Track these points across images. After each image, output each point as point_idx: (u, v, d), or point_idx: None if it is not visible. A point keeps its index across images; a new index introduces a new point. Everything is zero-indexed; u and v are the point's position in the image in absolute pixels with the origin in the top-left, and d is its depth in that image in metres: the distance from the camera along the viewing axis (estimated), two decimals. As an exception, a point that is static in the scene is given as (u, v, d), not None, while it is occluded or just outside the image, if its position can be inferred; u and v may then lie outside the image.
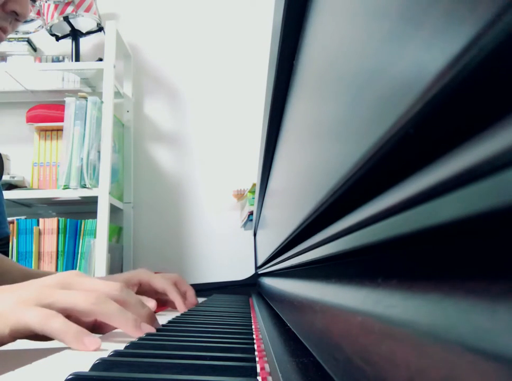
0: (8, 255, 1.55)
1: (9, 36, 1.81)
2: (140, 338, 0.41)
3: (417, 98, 0.11)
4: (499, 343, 0.08)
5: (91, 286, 0.47)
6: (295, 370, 0.26)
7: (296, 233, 0.34)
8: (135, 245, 1.81)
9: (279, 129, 0.52)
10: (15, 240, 1.59)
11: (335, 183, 0.19)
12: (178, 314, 0.69)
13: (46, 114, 1.77)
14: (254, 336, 0.45)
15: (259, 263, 1.21)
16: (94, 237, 1.54)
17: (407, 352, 0.12)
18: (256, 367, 0.30)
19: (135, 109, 1.89)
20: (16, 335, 0.42)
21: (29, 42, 1.85)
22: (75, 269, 1.58)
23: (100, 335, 0.50)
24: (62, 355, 0.40)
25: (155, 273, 0.86)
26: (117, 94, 1.74)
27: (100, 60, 1.74)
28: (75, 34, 1.79)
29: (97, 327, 0.52)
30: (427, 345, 0.11)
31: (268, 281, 0.83)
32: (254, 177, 1.18)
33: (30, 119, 1.78)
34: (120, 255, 1.76)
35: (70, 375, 0.27)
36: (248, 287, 1.31)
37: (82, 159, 1.56)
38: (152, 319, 0.49)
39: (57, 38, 1.81)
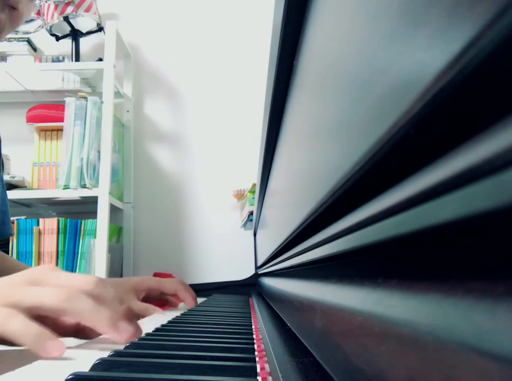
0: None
1: (9, 36, 1.82)
2: (140, 338, 0.41)
3: (417, 98, 0.11)
4: (498, 343, 0.08)
5: (63, 281, 0.42)
6: (295, 370, 0.26)
7: (296, 233, 0.34)
8: (135, 245, 1.81)
9: (279, 129, 0.52)
10: (15, 240, 1.59)
11: (335, 183, 0.19)
12: (178, 313, 0.69)
13: (46, 114, 1.77)
14: (254, 336, 0.45)
15: (259, 263, 1.21)
16: (94, 237, 1.54)
17: (407, 352, 0.12)
18: (256, 367, 0.30)
19: (135, 109, 1.89)
20: None
21: (29, 42, 1.85)
22: (75, 269, 1.58)
23: (86, 340, 0.46)
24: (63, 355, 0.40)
25: (156, 274, 0.87)
26: (117, 94, 1.74)
27: (100, 60, 1.74)
28: (75, 34, 1.79)
29: (81, 331, 0.47)
30: (427, 345, 0.11)
31: (268, 281, 0.83)
32: (254, 177, 1.18)
33: (30, 119, 1.78)
34: (120, 255, 1.76)
35: (70, 375, 0.27)
36: (248, 287, 1.31)
37: (82, 159, 1.56)
38: (130, 317, 0.43)
39: (57, 38, 1.81)
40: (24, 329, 0.36)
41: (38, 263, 1.58)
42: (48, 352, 0.36)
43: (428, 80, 0.10)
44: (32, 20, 1.80)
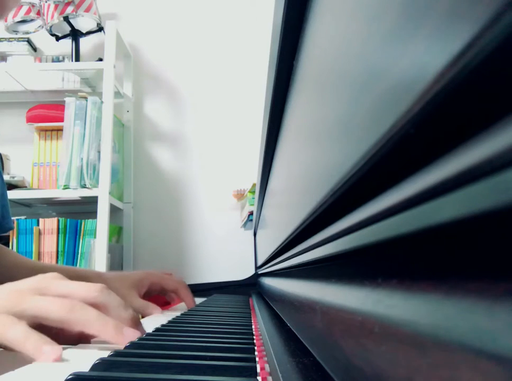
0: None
1: (9, 36, 1.82)
2: (140, 338, 0.41)
3: (417, 98, 0.11)
4: (498, 343, 0.08)
5: (68, 290, 0.43)
6: (295, 370, 0.26)
7: (296, 233, 0.34)
8: (135, 245, 1.81)
9: (279, 129, 0.52)
10: (15, 240, 1.59)
11: (335, 183, 0.19)
12: (178, 313, 0.69)
13: (46, 114, 1.77)
14: (254, 336, 0.45)
15: (259, 263, 1.21)
16: (94, 237, 1.54)
17: (407, 352, 0.12)
18: (256, 367, 0.30)
19: (135, 109, 1.89)
20: None
21: (29, 42, 1.85)
22: (75, 269, 1.58)
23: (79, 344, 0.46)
24: (62, 355, 0.39)
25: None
26: (117, 94, 1.74)
27: (100, 60, 1.74)
28: (75, 34, 1.79)
29: (85, 338, 0.46)
30: (427, 345, 0.11)
31: (268, 281, 0.83)
32: (254, 177, 1.18)
33: (30, 119, 1.78)
34: (120, 255, 1.76)
35: (70, 375, 0.27)
36: (248, 287, 1.31)
37: (82, 159, 1.56)
38: (135, 323, 0.45)
39: (57, 38, 1.81)
40: (23, 337, 0.36)
41: (38, 263, 1.57)
42: (46, 357, 0.36)
43: (428, 80, 0.10)
44: (32, 20, 1.80)
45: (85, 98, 1.61)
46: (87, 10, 1.72)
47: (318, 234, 0.26)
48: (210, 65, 1.90)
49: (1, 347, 0.39)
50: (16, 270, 0.78)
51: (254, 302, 0.91)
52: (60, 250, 1.59)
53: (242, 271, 1.52)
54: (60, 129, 1.70)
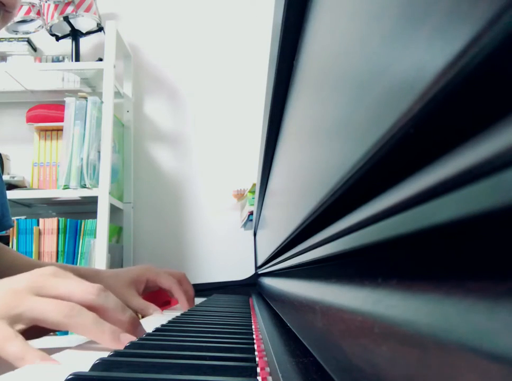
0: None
1: (9, 36, 1.82)
2: (140, 338, 0.41)
3: (417, 97, 0.11)
4: (498, 343, 0.08)
5: (66, 291, 0.42)
6: (295, 370, 0.26)
7: (296, 233, 0.34)
8: (135, 245, 1.81)
9: (279, 129, 0.52)
10: (15, 240, 1.59)
11: (335, 183, 0.19)
12: (178, 314, 0.69)
13: (46, 114, 1.77)
14: (254, 336, 0.45)
15: (259, 263, 1.21)
16: (94, 237, 1.54)
17: (407, 352, 0.12)
18: (256, 367, 0.30)
19: (135, 109, 1.89)
20: None
21: (29, 42, 1.85)
22: (75, 269, 1.58)
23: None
24: (63, 355, 0.40)
25: None
26: (117, 94, 1.74)
27: (100, 60, 1.74)
28: (75, 34, 1.79)
29: None
30: (426, 345, 0.11)
31: (268, 281, 0.83)
32: (254, 177, 1.18)
33: (30, 119, 1.78)
34: (120, 255, 1.76)
35: (70, 375, 0.27)
36: (248, 287, 1.31)
37: (82, 159, 1.56)
38: (134, 325, 0.45)
39: (57, 38, 1.81)
40: (21, 354, 0.36)
41: (38, 263, 1.57)
42: None
43: (428, 80, 0.10)
44: (32, 20, 1.80)
45: (85, 98, 1.61)
46: (87, 10, 1.72)
47: (318, 234, 0.26)
48: (210, 65, 1.90)
49: None
50: (14, 268, 0.78)
51: (254, 302, 0.91)
52: (60, 250, 1.59)
53: (242, 271, 1.52)
54: (60, 129, 1.70)
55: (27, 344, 0.38)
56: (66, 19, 1.72)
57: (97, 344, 0.45)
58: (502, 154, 0.08)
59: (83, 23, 1.77)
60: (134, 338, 0.42)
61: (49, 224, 1.61)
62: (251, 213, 1.39)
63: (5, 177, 1.70)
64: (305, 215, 0.28)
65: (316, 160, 0.25)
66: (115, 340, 0.40)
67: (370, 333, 0.15)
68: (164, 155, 1.88)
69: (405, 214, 0.13)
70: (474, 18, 0.08)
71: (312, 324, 0.27)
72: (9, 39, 1.83)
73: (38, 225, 1.61)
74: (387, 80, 0.13)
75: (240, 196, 1.70)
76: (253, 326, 0.54)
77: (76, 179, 1.55)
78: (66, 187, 1.55)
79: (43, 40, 1.88)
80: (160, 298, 0.92)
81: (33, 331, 0.42)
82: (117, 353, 0.34)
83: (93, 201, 1.55)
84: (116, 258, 1.70)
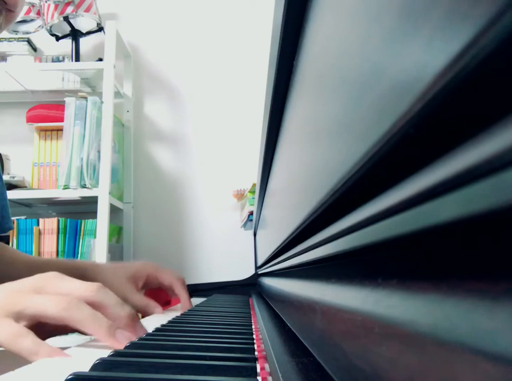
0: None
1: (9, 36, 1.82)
2: (140, 338, 0.41)
3: (417, 98, 0.11)
4: (498, 344, 0.08)
5: (66, 289, 0.44)
6: (295, 370, 0.26)
7: (297, 233, 0.34)
8: (135, 245, 1.81)
9: (279, 129, 0.52)
10: (15, 240, 1.59)
11: (335, 183, 0.19)
12: (178, 314, 0.69)
13: (46, 114, 1.77)
14: (254, 336, 0.45)
15: (259, 263, 1.21)
16: (94, 237, 1.54)
17: (407, 352, 0.12)
18: (256, 367, 0.30)
19: (135, 109, 1.89)
20: None
21: (29, 42, 1.85)
22: (75, 269, 1.58)
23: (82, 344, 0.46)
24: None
25: None
26: (117, 94, 1.74)
27: (100, 60, 1.74)
28: (75, 34, 1.79)
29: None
30: (426, 345, 0.11)
31: (268, 281, 0.83)
32: (254, 177, 1.18)
33: (30, 119, 1.78)
34: (120, 255, 1.76)
35: (70, 375, 0.27)
36: (248, 287, 1.31)
37: (82, 159, 1.56)
38: (133, 321, 0.45)
39: (57, 38, 1.81)
40: (34, 349, 0.38)
41: (38, 263, 1.57)
42: None
43: (428, 80, 0.10)
44: (32, 20, 1.80)
45: (85, 98, 1.61)
46: (87, 10, 1.72)
47: (318, 234, 0.26)
48: (210, 65, 1.90)
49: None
50: (14, 265, 0.78)
51: (254, 302, 0.91)
52: (60, 250, 1.59)
53: (242, 271, 1.52)
54: (60, 129, 1.70)
55: (38, 340, 0.39)
56: (66, 19, 1.72)
57: (97, 343, 0.45)
58: (502, 154, 0.08)
59: (83, 23, 1.77)
60: (130, 335, 0.42)
61: (49, 224, 1.61)
62: (251, 213, 1.39)
63: (5, 177, 1.70)
64: (305, 215, 0.28)
65: (316, 159, 0.25)
66: (110, 335, 0.41)
67: (370, 333, 0.15)
68: (164, 155, 1.88)
69: (405, 214, 0.13)
70: (474, 18, 0.08)
71: (312, 324, 0.27)
72: (9, 39, 1.83)
73: (38, 225, 1.61)
74: (387, 80, 0.13)
75: (240, 196, 1.70)
76: (253, 326, 0.54)
77: (76, 179, 1.55)
78: (66, 187, 1.55)
79: (43, 40, 1.88)
80: (160, 297, 0.92)
81: (43, 330, 0.43)
82: (117, 353, 0.34)
83: (93, 201, 1.55)
84: (116, 258, 1.70)
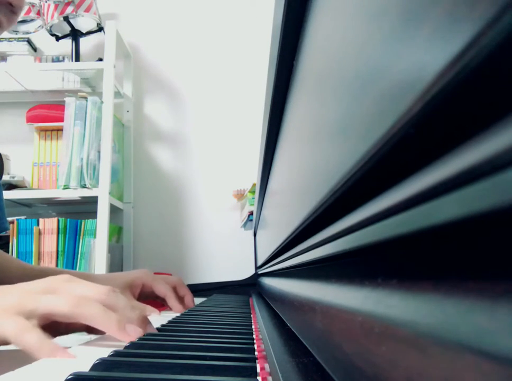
0: (8, 255, 1.55)
1: (9, 36, 1.82)
2: (140, 338, 0.41)
3: (417, 98, 0.11)
4: (498, 344, 0.08)
5: (77, 290, 0.45)
6: (295, 370, 0.26)
7: (297, 233, 0.34)
8: (135, 245, 1.81)
9: (279, 129, 0.52)
10: (15, 240, 1.59)
11: (335, 183, 0.19)
12: (178, 314, 0.69)
13: (46, 114, 1.77)
14: (254, 336, 0.45)
15: (259, 263, 1.21)
16: (94, 237, 1.54)
17: (407, 352, 0.12)
18: (256, 367, 0.30)
19: (135, 109, 1.89)
20: None
21: (29, 42, 1.85)
22: (75, 269, 1.58)
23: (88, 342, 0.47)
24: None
25: (156, 274, 0.87)
26: (117, 94, 1.74)
27: (100, 60, 1.74)
28: (75, 34, 1.79)
29: (93, 329, 0.47)
30: (426, 345, 0.11)
31: (268, 281, 0.83)
32: (254, 177, 1.18)
33: (30, 119, 1.78)
34: (120, 255, 1.76)
35: (70, 375, 0.27)
36: (248, 287, 1.31)
37: (82, 159, 1.56)
38: (143, 323, 0.46)
39: (57, 38, 1.81)
40: (38, 344, 0.38)
41: (38, 263, 1.58)
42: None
43: (428, 80, 0.10)
44: (32, 20, 1.80)
45: (85, 98, 1.61)
46: (87, 10, 1.72)
47: (318, 234, 0.26)
48: (210, 65, 1.90)
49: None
50: (9, 270, 0.78)
51: (254, 302, 0.91)
52: (60, 250, 1.59)
53: (242, 271, 1.52)
54: (60, 129, 1.70)
55: (44, 336, 0.39)
56: (66, 19, 1.72)
57: (98, 341, 0.45)
58: (502, 154, 0.08)
59: (83, 23, 1.77)
60: (140, 330, 0.43)
61: (49, 224, 1.61)
62: (251, 213, 1.39)
63: (5, 177, 1.70)
64: (305, 215, 0.28)
65: (316, 160, 0.25)
66: (121, 330, 0.42)
67: (370, 333, 0.15)
68: (164, 155, 1.88)
69: (405, 214, 0.13)
70: (473, 18, 0.08)
71: (312, 324, 0.27)
72: (9, 39, 1.83)
73: (38, 225, 1.61)
74: (387, 80, 0.13)
75: (240, 196, 1.70)
76: (253, 326, 0.54)
77: (76, 179, 1.55)
78: (66, 187, 1.55)
79: (43, 40, 1.88)
80: (156, 302, 0.91)
81: (57, 330, 0.44)
82: (117, 353, 0.34)
83: (93, 201, 1.55)
84: (116, 258, 1.70)
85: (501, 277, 0.09)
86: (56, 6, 1.70)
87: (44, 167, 1.74)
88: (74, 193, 1.56)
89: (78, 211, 1.77)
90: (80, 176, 1.56)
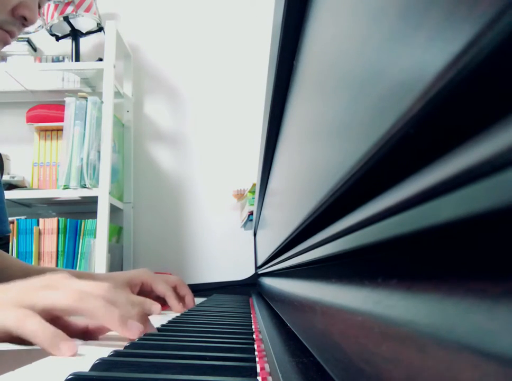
0: (8, 255, 1.55)
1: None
2: (140, 338, 0.41)
3: (417, 98, 0.11)
4: (498, 343, 0.08)
5: (77, 285, 0.44)
6: (295, 370, 0.26)
7: (296, 233, 0.34)
8: (135, 245, 1.81)
9: (279, 129, 0.52)
10: (15, 240, 1.59)
11: (335, 183, 0.19)
12: (178, 314, 0.69)
13: (46, 114, 1.77)
14: (254, 336, 0.45)
15: (259, 263, 1.21)
16: (94, 237, 1.54)
17: (407, 352, 0.12)
18: (256, 367, 0.30)
19: (135, 109, 1.89)
20: None
21: (29, 42, 1.85)
22: (75, 269, 1.58)
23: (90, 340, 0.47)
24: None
25: (156, 274, 0.87)
26: (117, 94, 1.74)
27: (100, 60, 1.74)
28: (75, 34, 1.79)
29: (89, 334, 0.48)
30: (426, 345, 0.11)
31: (268, 281, 0.83)
32: (254, 177, 1.18)
33: (30, 119, 1.78)
34: (120, 255, 1.76)
35: (70, 375, 0.27)
36: (248, 287, 1.31)
37: (82, 159, 1.56)
38: (143, 319, 0.46)
39: (57, 38, 1.81)
40: (40, 330, 0.38)
41: (38, 263, 1.58)
42: (62, 352, 0.37)
43: (428, 80, 0.10)
44: (32, 20, 1.80)
45: (85, 98, 1.61)
46: (87, 10, 1.72)
47: (318, 234, 0.26)
48: (210, 65, 1.90)
49: (13, 341, 0.41)
50: (10, 269, 0.78)
51: (254, 302, 0.91)
52: (60, 250, 1.59)
53: (242, 271, 1.52)
54: (60, 129, 1.70)
55: (45, 322, 0.39)
56: (66, 19, 1.72)
57: (98, 341, 0.45)
58: (502, 154, 0.08)
59: (83, 23, 1.77)
60: (141, 326, 0.43)
61: (49, 224, 1.61)
62: (251, 213, 1.39)
63: (5, 177, 1.70)
64: (305, 215, 0.28)
65: (316, 160, 0.25)
66: (123, 325, 0.42)
67: (370, 333, 0.15)
68: (164, 155, 1.88)
69: (405, 214, 0.13)
70: (473, 18, 0.08)
71: (312, 324, 0.27)
72: (9, 39, 1.82)
73: (38, 225, 1.61)
74: (387, 80, 0.13)
75: (240, 196, 1.70)
76: (253, 326, 0.54)
77: (76, 179, 1.55)
78: (66, 187, 1.55)
79: (43, 40, 1.88)
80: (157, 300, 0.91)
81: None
82: (117, 353, 0.34)
83: (93, 201, 1.55)
84: (116, 258, 1.70)
85: (501, 277, 0.09)
86: (56, 6, 1.70)
87: (44, 167, 1.74)
88: (74, 193, 1.56)
89: (78, 211, 1.77)
90: (80, 176, 1.56)
